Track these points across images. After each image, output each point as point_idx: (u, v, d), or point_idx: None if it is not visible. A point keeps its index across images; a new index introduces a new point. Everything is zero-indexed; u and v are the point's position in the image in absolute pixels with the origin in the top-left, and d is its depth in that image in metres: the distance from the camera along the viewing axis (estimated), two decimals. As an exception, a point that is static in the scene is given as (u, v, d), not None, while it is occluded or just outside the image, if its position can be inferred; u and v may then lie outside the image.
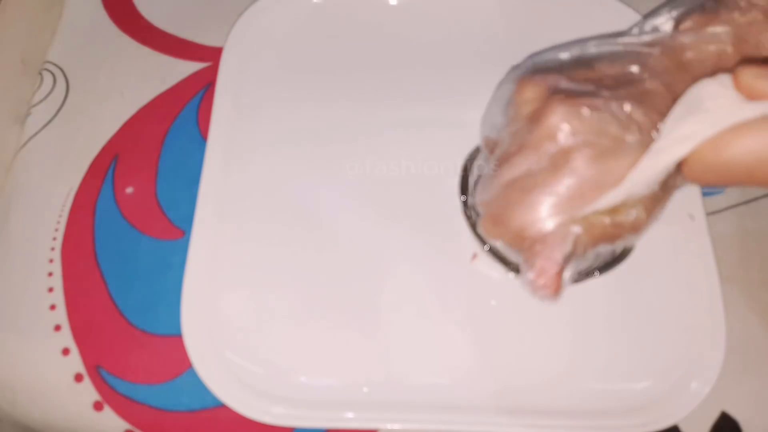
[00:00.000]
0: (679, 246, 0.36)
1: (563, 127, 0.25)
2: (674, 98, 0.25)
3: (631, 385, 0.34)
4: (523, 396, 0.34)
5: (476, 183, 0.34)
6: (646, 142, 0.24)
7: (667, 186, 0.26)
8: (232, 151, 0.39)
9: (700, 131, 0.22)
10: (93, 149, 0.41)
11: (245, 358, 0.35)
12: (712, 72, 0.25)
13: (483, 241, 0.32)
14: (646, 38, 0.27)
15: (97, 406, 0.35)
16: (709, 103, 0.23)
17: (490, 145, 0.30)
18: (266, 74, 0.42)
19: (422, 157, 0.39)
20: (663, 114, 0.25)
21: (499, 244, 0.28)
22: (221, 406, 0.34)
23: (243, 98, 0.41)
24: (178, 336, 0.35)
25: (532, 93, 0.27)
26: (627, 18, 0.42)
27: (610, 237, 0.26)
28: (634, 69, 0.26)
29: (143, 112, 0.42)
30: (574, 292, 0.33)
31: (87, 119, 0.42)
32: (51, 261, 0.38)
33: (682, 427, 0.33)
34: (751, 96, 0.22)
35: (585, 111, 0.25)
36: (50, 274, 0.38)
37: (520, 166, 0.26)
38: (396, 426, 0.33)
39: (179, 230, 0.39)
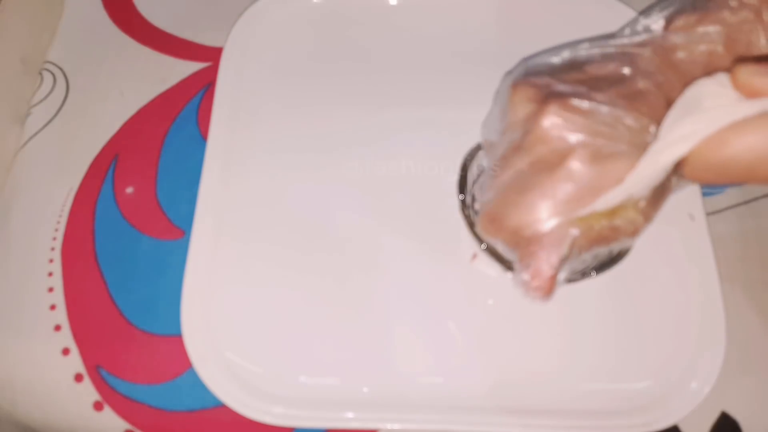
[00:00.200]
0: (679, 246, 0.37)
1: (558, 128, 0.25)
2: (666, 97, 0.25)
3: (631, 385, 0.34)
4: (524, 396, 0.34)
5: (475, 182, 0.34)
6: (641, 143, 0.24)
7: (664, 188, 0.26)
8: (232, 150, 0.39)
9: (699, 130, 0.22)
10: (93, 149, 0.41)
11: (245, 358, 0.35)
12: (704, 71, 0.25)
13: (480, 240, 0.32)
14: (638, 39, 0.28)
15: (97, 406, 0.35)
16: (708, 102, 0.23)
17: (490, 147, 0.30)
18: (266, 74, 0.42)
19: (422, 157, 0.39)
20: (656, 113, 0.25)
21: (496, 244, 0.28)
22: (221, 406, 0.34)
23: (243, 98, 0.41)
24: (178, 336, 0.35)
25: (526, 96, 0.27)
26: (624, 15, 0.42)
27: (607, 239, 0.26)
28: (626, 70, 0.26)
29: (143, 112, 0.42)
30: (573, 291, 0.33)
31: (87, 119, 0.42)
32: (51, 261, 0.38)
33: (682, 427, 0.33)
34: (749, 94, 0.22)
35: (578, 112, 0.25)
36: (50, 274, 0.38)
37: (515, 167, 0.26)
38: (396, 426, 0.33)
39: (179, 230, 0.39)
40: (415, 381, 0.34)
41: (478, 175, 0.34)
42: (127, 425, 0.35)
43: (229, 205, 0.38)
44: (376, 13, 0.44)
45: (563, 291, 0.34)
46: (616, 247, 0.27)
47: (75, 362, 0.36)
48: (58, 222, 0.39)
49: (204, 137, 0.40)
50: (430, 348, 0.35)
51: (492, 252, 0.32)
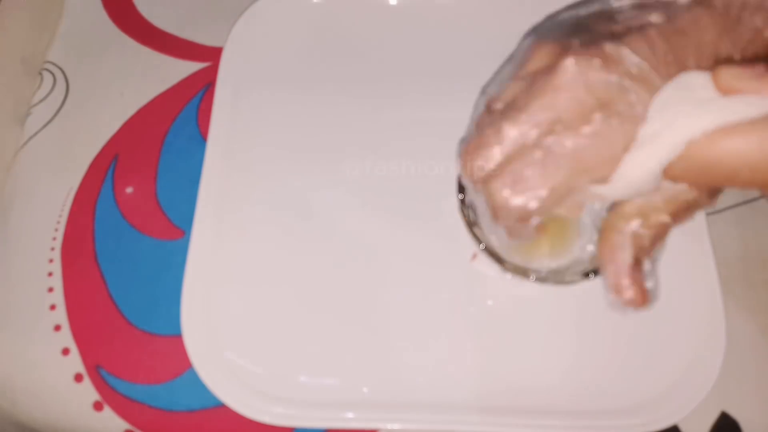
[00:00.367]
0: (679, 246, 0.36)
1: (573, 83, 0.23)
2: (698, 47, 0.23)
3: (631, 385, 0.34)
4: (524, 396, 0.34)
5: None
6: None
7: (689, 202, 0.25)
8: (232, 150, 0.39)
9: (693, 125, 0.22)
10: (93, 149, 0.41)
11: (245, 358, 0.35)
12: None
13: (480, 240, 0.32)
14: None
15: (97, 406, 0.35)
16: (702, 92, 0.22)
17: (494, 100, 0.27)
18: (266, 74, 0.42)
19: (422, 157, 0.39)
20: (682, 65, 0.23)
21: (506, 215, 0.25)
22: (221, 406, 0.34)
23: (243, 98, 0.41)
24: (178, 336, 0.35)
25: (546, 50, 0.25)
26: None
27: (664, 232, 0.25)
28: (657, 19, 0.24)
29: (143, 112, 0.42)
30: (573, 293, 0.33)
31: (87, 119, 0.42)
32: (51, 261, 0.38)
33: (682, 427, 0.33)
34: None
35: (598, 64, 0.23)
36: (50, 274, 0.38)
37: (529, 122, 0.24)
38: (396, 426, 0.33)
39: (179, 230, 0.39)
40: (415, 381, 0.34)
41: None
42: (126, 425, 0.35)
43: (229, 205, 0.38)
44: (375, 14, 0.44)
45: (563, 292, 0.34)
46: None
47: (75, 362, 0.36)
48: (58, 222, 0.39)
49: (204, 137, 0.40)
50: (430, 348, 0.35)
51: (490, 252, 0.32)
